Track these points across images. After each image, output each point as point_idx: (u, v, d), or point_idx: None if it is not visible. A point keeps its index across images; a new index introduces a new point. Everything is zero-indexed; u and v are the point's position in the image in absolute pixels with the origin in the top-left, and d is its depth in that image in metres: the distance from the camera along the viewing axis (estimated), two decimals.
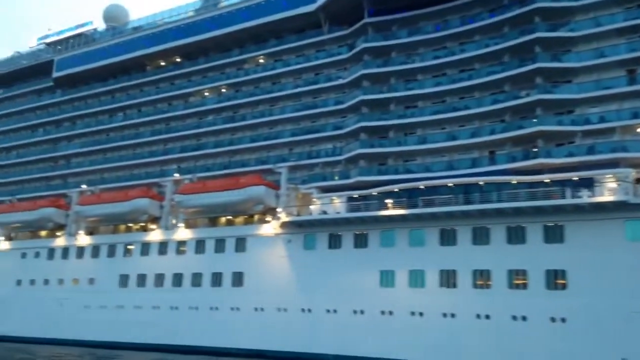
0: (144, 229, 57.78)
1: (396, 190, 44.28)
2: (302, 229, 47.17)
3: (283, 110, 54.83)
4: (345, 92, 51.66)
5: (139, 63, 66.78)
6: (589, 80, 41.20)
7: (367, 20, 50.27)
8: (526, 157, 41.25)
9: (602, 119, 40.09)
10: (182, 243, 53.42)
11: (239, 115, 57.84)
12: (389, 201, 43.29)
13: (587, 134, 40.04)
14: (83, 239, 60.03)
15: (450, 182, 42.45)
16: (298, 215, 47.57)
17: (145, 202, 55.86)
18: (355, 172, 47.57)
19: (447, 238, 41.55)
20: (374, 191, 45.42)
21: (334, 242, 45.80)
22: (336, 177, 49.11)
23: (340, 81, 51.57)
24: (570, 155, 40.07)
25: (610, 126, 39.30)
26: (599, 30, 41.06)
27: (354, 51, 50.70)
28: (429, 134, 46.58)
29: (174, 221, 54.95)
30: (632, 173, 37.18)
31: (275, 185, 49.88)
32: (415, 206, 42.35)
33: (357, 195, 46.43)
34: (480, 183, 41.57)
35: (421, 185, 43.43)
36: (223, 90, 60.30)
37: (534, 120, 42.04)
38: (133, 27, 69.07)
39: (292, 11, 54.77)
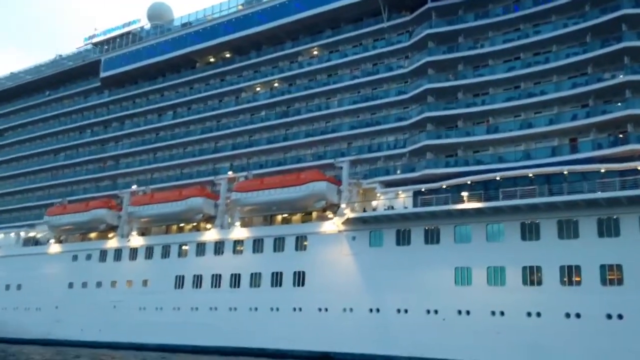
0: (198, 229, 56.25)
1: (469, 182, 41.59)
2: (368, 225, 44.82)
3: (340, 102, 52.59)
4: (407, 82, 49.19)
5: (188, 60, 65.51)
6: None
7: (430, 4, 47.72)
8: (615, 143, 38.19)
9: None
10: (239, 242, 51.58)
11: (293, 110, 55.84)
12: (464, 194, 40.53)
13: None
14: (136, 240, 58.76)
15: (530, 173, 39.54)
16: (364, 211, 45.19)
17: (200, 200, 54.24)
18: (421, 164, 45.07)
19: (530, 232, 38.64)
20: (444, 184, 42.81)
21: (403, 238, 43.30)
22: (398, 171, 46.73)
23: (402, 70, 49.11)
24: None
25: None
26: None
27: (416, 38, 48.18)
28: (502, 122, 43.84)
29: (229, 220, 53.14)
30: None
31: (337, 181, 47.63)
32: (492, 199, 39.57)
33: (424, 189, 43.90)
34: (565, 172, 38.57)
35: (497, 176, 40.62)
36: (276, 84, 58.42)
37: (619, 104, 39.04)
38: (182, 24, 67.66)
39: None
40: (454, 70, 46.45)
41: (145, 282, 56.40)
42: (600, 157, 38.25)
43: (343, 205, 45.95)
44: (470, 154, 44.29)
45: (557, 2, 43.10)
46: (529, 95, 42.92)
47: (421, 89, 46.53)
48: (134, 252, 58.38)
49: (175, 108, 65.52)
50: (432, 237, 42.10)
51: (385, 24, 51.16)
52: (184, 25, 67.48)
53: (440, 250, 41.34)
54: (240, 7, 63.61)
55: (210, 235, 53.70)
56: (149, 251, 57.33)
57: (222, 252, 52.26)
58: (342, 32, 54.27)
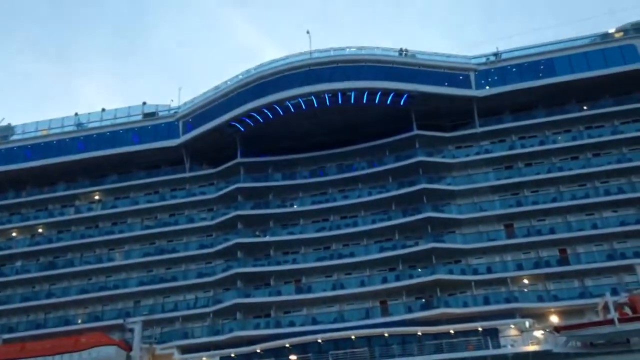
0: None
1: (288, 345, 38.03)
2: None
3: (128, 254, 45.83)
4: (211, 236, 45.50)
5: None
6: (471, 232, 42.40)
7: (240, 160, 46.62)
8: (426, 307, 39.39)
9: (489, 270, 40.85)
10: None
11: (63, 261, 46.83)
12: (292, 358, 36.56)
13: (479, 283, 40.18)
14: None
15: (352, 335, 37.92)
16: None
17: None
18: (229, 326, 40.49)
19: None
20: (258, 347, 38.43)
21: None
22: (199, 335, 40.95)
23: (207, 223, 45.50)
24: (467, 305, 39.31)
25: (500, 277, 39.99)
26: (475, 186, 43.50)
27: (225, 191, 45.85)
28: (314, 282, 42.43)
29: None
30: (533, 323, 37.39)
31: (126, 345, 39.22)
32: None
33: (234, 354, 38.81)
34: (386, 335, 37.93)
35: (319, 338, 38.03)
36: (40, 230, 48.83)
37: (422, 269, 41.24)
38: None
39: (145, 145, 48.52)
40: (263, 227, 44.68)
41: None
42: (412, 320, 38.85)
43: None
44: (281, 315, 41.24)
45: (361, 172, 45.82)
46: (340, 257, 42.93)
47: (230, 243, 43.26)
48: None
49: None
50: None
51: (187, 174, 47.97)
52: None
53: None
54: None
55: None
56: None
57: None
58: (133, 177, 49.14)
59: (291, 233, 44.34)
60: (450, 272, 40.89)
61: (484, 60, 46.61)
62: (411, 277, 41.15)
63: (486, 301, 39.27)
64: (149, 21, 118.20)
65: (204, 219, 46.10)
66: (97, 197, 49.69)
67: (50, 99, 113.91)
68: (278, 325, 40.42)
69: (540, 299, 39.03)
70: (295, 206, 45.27)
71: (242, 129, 46.20)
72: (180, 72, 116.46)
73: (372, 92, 44.07)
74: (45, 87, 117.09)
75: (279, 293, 41.98)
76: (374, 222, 43.76)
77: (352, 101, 44.34)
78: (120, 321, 40.64)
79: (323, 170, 47.05)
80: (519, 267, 40.67)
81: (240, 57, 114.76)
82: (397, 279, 41.26)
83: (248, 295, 41.77)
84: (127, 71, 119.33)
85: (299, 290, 41.99)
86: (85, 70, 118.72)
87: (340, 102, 44.31)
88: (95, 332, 39.81)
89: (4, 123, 54.95)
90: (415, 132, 45.13)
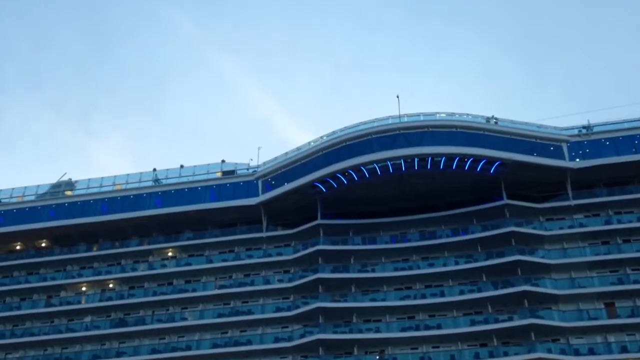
0: None
1: None
2: None
3: (202, 314, 44.09)
4: (288, 298, 43.64)
5: None
6: (570, 309, 39.81)
7: (320, 221, 45.30)
8: None
9: (591, 351, 37.89)
10: None
11: (134, 318, 45.26)
12: None
13: None
14: None
15: None
16: None
17: None
18: None
19: None
20: None
21: None
22: None
23: (285, 285, 43.82)
24: None
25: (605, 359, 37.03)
26: (571, 261, 41.24)
27: (304, 252, 44.35)
28: (399, 353, 39.95)
29: None
30: None
31: None
32: None
33: None
34: None
35: None
36: (111, 285, 47.78)
37: (516, 346, 38.56)
38: None
39: (223, 203, 47.76)
40: (344, 291, 42.72)
41: None
42: None
43: None
44: None
45: (447, 239, 43.96)
46: (426, 328, 40.48)
47: (311, 307, 41.29)
48: None
49: None
50: None
51: (264, 234, 46.76)
52: None
53: None
54: (69, 193, 54.18)
55: None
56: None
57: None
58: (209, 235, 48.10)
59: (373, 300, 42.27)
60: (549, 351, 38.07)
61: (576, 132, 45.44)
62: (506, 354, 38.34)
63: None
64: (168, 87, 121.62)
65: (280, 281, 44.46)
66: (170, 254, 48.66)
67: (66, 158, 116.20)
68: None
69: None
70: (375, 271, 43.33)
71: (325, 190, 45.23)
72: (197, 138, 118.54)
73: (463, 159, 42.93)
74: (61, 147, 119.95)
75: None
76: (462, 292, 41.52)
77: (441, 167, 43.24)
78: None
79: (405, 236, 45.38)
80: (624, 350, 37.63)
81: (254, 125, 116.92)
82: (491, 355, 38.53)
83: None
84: (142, 134, 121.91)
85: None
86: (102, 131, 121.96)
87: (429, 167, 43.20)
88: None
89: (65, 178, 55.59)
90: (506, 201, 43.48)
